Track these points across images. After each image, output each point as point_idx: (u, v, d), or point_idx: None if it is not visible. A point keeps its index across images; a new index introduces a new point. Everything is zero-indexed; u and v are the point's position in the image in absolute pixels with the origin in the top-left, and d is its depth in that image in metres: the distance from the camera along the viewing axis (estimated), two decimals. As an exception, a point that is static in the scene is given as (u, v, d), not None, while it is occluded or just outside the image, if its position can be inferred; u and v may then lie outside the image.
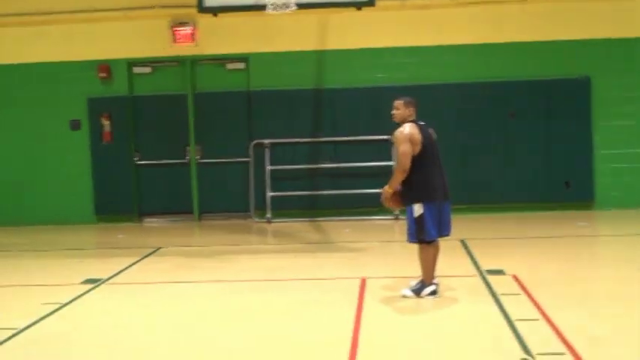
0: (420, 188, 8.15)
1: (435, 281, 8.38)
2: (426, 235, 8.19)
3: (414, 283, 8.47)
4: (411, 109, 8.33)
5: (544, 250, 10.86)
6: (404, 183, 8.21)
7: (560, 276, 9.28)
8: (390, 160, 13.81)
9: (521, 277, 9.04)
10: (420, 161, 8.13)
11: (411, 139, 8.11)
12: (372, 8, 12.49)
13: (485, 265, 9.75)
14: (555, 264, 9.93)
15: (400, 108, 8.33)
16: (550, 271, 9.51)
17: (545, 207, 13.97)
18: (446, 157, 13.36)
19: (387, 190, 8.27)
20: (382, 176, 13.87)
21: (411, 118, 8.31)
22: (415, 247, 8.42)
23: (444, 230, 8.34)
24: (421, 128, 8.25)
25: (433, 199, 8.17)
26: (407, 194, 8.24)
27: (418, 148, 8.13)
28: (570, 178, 14.02)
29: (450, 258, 10.24)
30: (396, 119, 8.38)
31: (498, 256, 10.41)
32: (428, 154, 8.17)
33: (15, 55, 14.61)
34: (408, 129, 8.17)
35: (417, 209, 8.14)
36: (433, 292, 8.32)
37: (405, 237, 8.53)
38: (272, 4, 10.87)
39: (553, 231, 12.33)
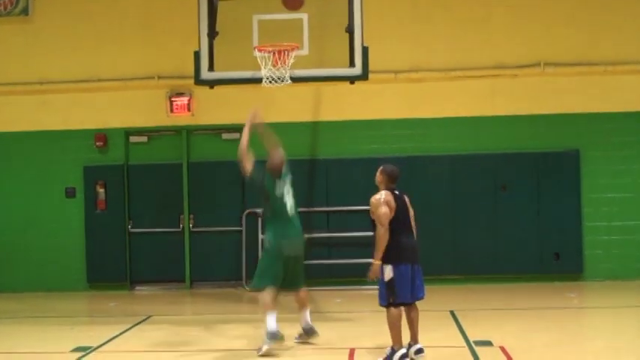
0: (391, 251, 8.39)
1: (418, 346, 8.52)
2: (396, 297, 8.38)
3: (387, 350, 8.57)
4: (385, 176, 8.70)
5: (533, 321, 10.89)
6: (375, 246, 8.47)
7: (549, 348, 9.31)
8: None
9: (509, 348, 9.06)
10: (392, 226, 8.44)
11: (387, 203, 8.49)
12: (365, 81, 12.73)
13: (474, 336, 9.77)
14: (544, 335, 9.95)
15: (378, 175, 8.78)
16: (539, 343, 9.53)
17: (534, 278, 14.03)
18: (437, 227, 13.78)
19: (375, 263, 8.44)
20: (374, 246, 14.06)
21: (385, 186, 8.68)
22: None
23: (418, 293, 8.58)
24: (395, 196, 8.60)
25: (404, 262, 8.42)
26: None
27: (392, 215, 8.47)
28: (560, 250, 14.12)
29: (438, 328, 10.31)
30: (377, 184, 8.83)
31: (487, 327, 10.44)
32: (400, 220, 8.52)
33: (15, 123, 14.84)
34: (383, 195, 8.56)
35: (388, 272, 8.37)
36: (403, 356, 8.39)
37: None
38: (267, 78, 11.09)
39: (542, 302, 12.38)
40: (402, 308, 8.51)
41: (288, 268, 9.44)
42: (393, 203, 8.52)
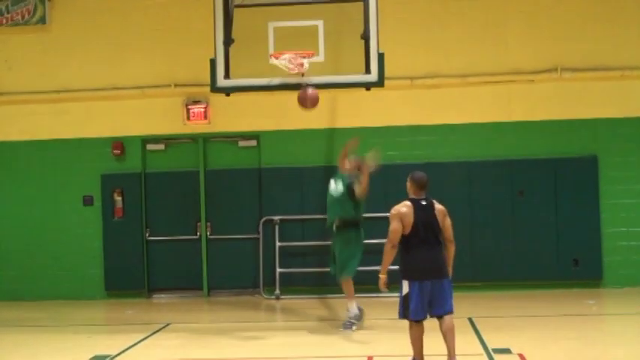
0: (408, 267, 8.23)
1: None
2: (410, 313, 8.21)
3: None
4: (411, 185, 8.44)
5: (552, 328, 10.82)
6: (399, 258, 8.32)
7: (568, 355, 9.25)
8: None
9: (528, 356, 9.01)
10: (411, 241, 8.22)
11: (401, 218, 8.21)
12: (381, 87, 12.72)
13: (492, 344, 9.73)
14: (563, 343, 9.89)
15: (407, 183, 8.51)
16: (558, 350, 9.47)
17: (553, 285, 13.95)
18: (454, 233, 13.66)
19: (380, 277, 8.42)
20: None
21: (412, 196, 8.42)
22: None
23: (434, 310, 8.25)
24: (418, 207, 8.29)
25: (420, 279, 8.16)
26: (400, 270, 8.34)
27: (408, 229, 8.21)
28: (578, 256, 14.03)
29: (457, 336, 10.21)
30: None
31: (506, 335, 10.39)
32: (420, 233, 8.21)
33: (32, 131, 14.90)
34: (400, 209, 8.29)
35: (405, 287, 8.21)
36: None
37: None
38: (285, 84, 11.21)
39: (561, 309, 12.31)
40: (421, 323, 8.29)
41: None
42: (410, 217, 8.20)
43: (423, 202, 8.36)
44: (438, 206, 8.42)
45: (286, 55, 11.07)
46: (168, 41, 14.69)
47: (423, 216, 8.27)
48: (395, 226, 8.23)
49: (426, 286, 8.16)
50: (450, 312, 8.29)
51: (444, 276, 8.26)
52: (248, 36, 11.66)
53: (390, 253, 8.29)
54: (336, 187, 11.43)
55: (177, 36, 14.65)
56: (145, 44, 14.77)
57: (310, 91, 11.15)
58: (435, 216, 8.33)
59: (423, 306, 8.18)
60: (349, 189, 11.24)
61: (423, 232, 8.23)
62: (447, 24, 14.39)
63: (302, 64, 11.09)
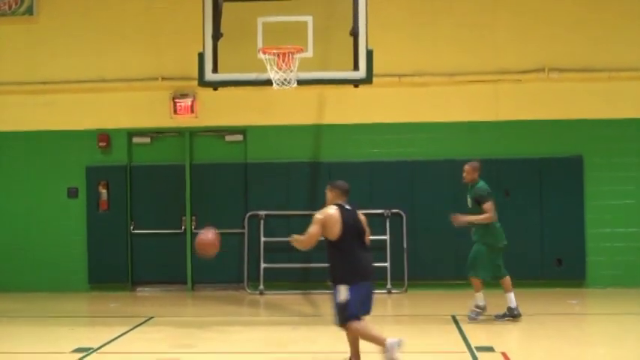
0: (351, 270, 8.20)
1: (389, 340, 8.14)
2: (348, 314, 8.18)
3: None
4: (334, 192, 8.48)
5: (534, 327, 10.86)
6: (331, 265, 8.31)
7: (550, 354, 9.29)
8: (384, 234, 13.98)
9: (510, 354, 9.04)
10: (343, 245, 8.21)
11: (324, 223, 8.20)
12: (369, 84, 12.72)
13: (476, 342, 9.75)
14: (546, 342, 9.93)
15: (327, 192, 8.53)
16: (540, 349, 9.52)
17: (536, 284, 13.99)
18: (438, 231, 13.76)
19: (295, 237, 8.44)
20: (377, 250, 14.05)
21: (337, 201, 8.42)
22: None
23: (362, 308, 8.27)
24: (345, 211, 8.31)
25: (362, 280, 8.20)
26: (334, 276, 8.30)
27: (339, 233, 8.18)
28: (562, 256, 14.09)
29: (440, 333, 10.30)
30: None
31: (489, 333, 10.44)
32: (349, 237, 8.23)
33: (18, 122, 14.84)
34: (328, 211, 8.31)
35: (343, 291, 8.16)
36: (398, 344, 8.10)
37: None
38: (276, 81, 11.13)
39: (544, 308, 12.35)
40: (363, 318, 8.26)
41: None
42: (339, 221, 8.17)
43: (348, 207, 8.42)
44: (359, 213, 8.50)
45: (275, 51, 11.04)
46: (156, 34, 14.65)
47: (351, 219, 8.33)
48: (315, 230, 8.23)
49: (365, 286, 8.24)
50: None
51: (371, 278, 8.40)
52: (237, 30, 11.64)
53: (300, 246, 8.40)
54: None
55: (165, 29, 14.62)
56: (132, 37, 14.72)
57: (211, 235, 10.15)
58: (360, 221, 8.41)
59: (366, 304, 8.26)
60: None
61: (355, 235, 8.30)
62: (435, 22, 14.41)
63: (290, 60, 11.06)
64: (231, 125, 14.70)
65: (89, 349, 9.78)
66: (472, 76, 14.32)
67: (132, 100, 14.75)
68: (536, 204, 14.16)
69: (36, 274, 14.73)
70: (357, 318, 8.19)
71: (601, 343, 10.14)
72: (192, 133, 14.83)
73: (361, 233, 8.37)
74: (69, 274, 14.72)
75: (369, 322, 8.31)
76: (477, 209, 11.29)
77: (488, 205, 11.21)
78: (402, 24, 14.41)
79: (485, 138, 14.33)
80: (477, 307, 11.23)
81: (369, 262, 8.38)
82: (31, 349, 10.01)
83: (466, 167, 11.50)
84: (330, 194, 8.49)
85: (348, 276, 8.18)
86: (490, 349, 9.39)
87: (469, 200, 11.46)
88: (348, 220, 8.26)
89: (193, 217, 14.71)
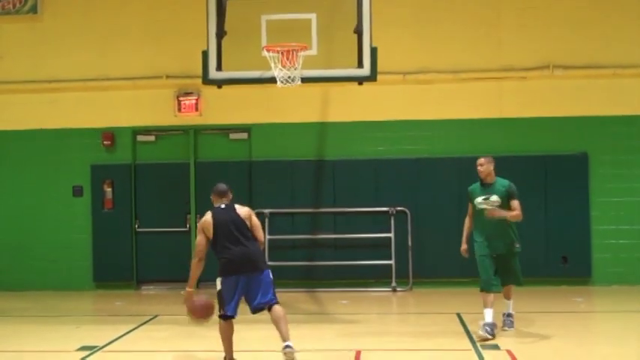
0: (221, 264, 8.57)
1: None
2: (226, 309, 8.52)
3: None
4: (213, 196, 8.86)
5: (540, 325, 10.83)
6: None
7: (556, 352, 9.27)
8: (389, 231, 13.96)
9: (516, 352, 9.02)
10: (216, 243, 8.57)
11: (204, 229, 8.59)
12: (373, 82, 12.70)
13: (481, 340, 9.73)
14: (551, 340, 9.91)
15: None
16: (545, 348, 9.50)
17: (541, 282, 13.96)
18: (443, 229, 13.73)
19: (187, 290, 8.80)
20: (381, 248, 14.07)
21: (217, 204, 8.79)
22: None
23: (256, 302, 8.59)
24: (216, 212, 8.65)
25: (234, 274, 8.49)
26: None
27: (212, 234, 8.56)
28: (567, 254, 14.07)
29: (445, 331, 10.27)
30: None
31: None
32: (222, 236, 8.53)
33: (23, 121, 14.87)
34: (202, 220, 8.69)
35: (218, 284, 8.59)
36: None
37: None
38: (281, 79, 11.10)
39: (549, 306, 12.33)
40: (230, 322, 8.59)
41: None
42: (211, 224, 8.56)
43: (222, 206, 8.75)
44: (241, 208, 8.75)
45: (279, 49, 11.02)
46: (160, 32, 14.65)
47: (223, 217, 8.63)
48: (198, 240, 8.64)
49: (241, 280, 8.50)
50: (274, 301, 8.63)
51: (259, 269, 8.57)
52: (241, 28, 11.64)
53: (196, 267, 8.65)
54: None
55: (169, 27, 14.62)
56: (136, 35, 14.73)
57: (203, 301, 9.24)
58: (238, 215, 8.64)
59: (237, 302, 8.54)
60: None
61: (227, 232, 8.55)
62: (440, 20, 14.40)
63: (294, 58, 11.04)
64: (236, 123, 14.70)
65: (94, 347, 9.79)
66: (476, 73, 14.30)
67: (136, 99, 14.75)
68: (541, 202, 14.13)
69: (41, 272, 14.75)
70: (225, 318, 8.56)
71: (607, 341, 10.09)
72: (197, 131, 14.83)
73: (240, 227, 8.59)
74: (74, 272, 14.74)
75: (230, 332, 8.62)
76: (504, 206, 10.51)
77: (518, 202, 10.48)
78: (406, 21, 14.39)
79: (490, 135, 14.30)
80: (509, 315, 10.60)
81: (246, 255, 8.54)
82: (36, 348, 10.02)
83: (482, 160, 10.61)
84: (212, 198, 8.89)
85: (220, 269, 8.59)
86: (495, 347, 9.38)
87: (490, 198, 10.58)
88: (220, 219, 8.58)
89: (198, 216, 14.69)
